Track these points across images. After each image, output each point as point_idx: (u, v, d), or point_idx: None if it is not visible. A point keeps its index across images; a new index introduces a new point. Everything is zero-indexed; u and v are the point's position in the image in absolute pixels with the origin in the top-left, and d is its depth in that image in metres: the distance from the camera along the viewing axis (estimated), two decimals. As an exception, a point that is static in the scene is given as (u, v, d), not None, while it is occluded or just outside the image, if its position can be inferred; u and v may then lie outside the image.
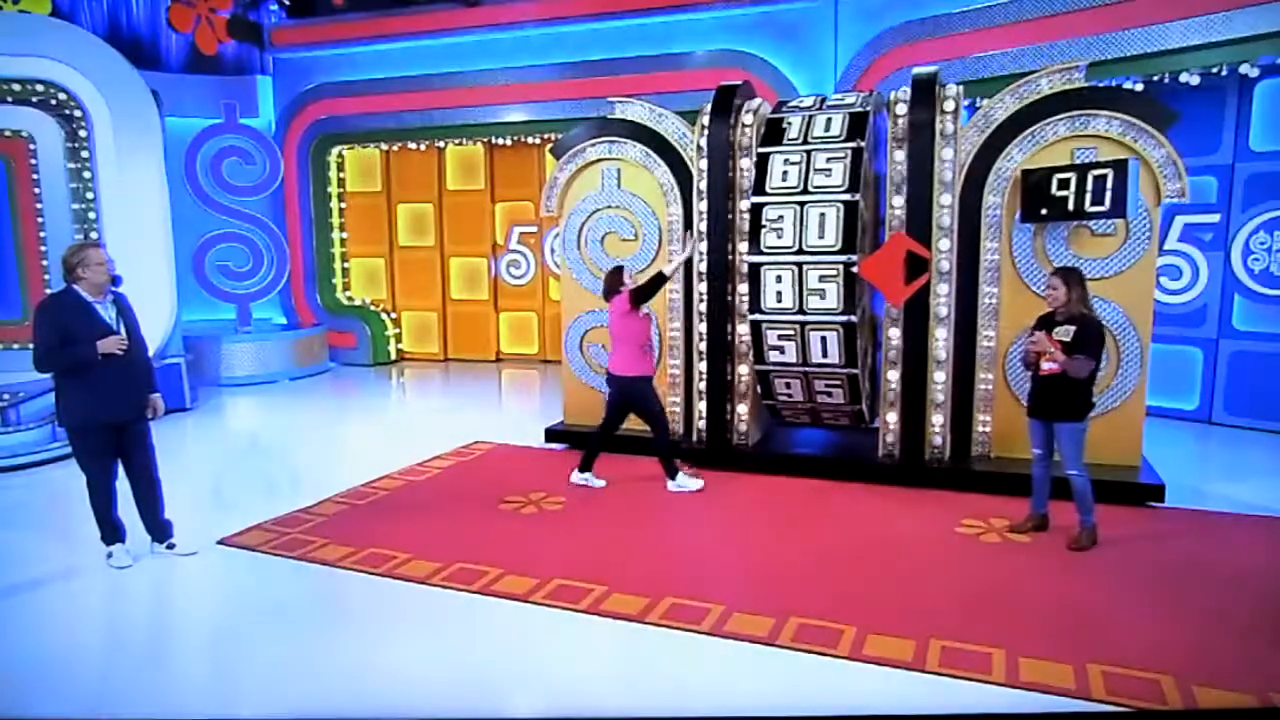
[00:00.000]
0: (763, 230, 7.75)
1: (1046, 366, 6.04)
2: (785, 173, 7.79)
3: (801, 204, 7.66)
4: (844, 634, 4.94)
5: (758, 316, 7.84)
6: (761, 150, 7.94)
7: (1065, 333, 6.01)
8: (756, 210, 7.80)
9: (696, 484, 7.67)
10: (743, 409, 8.34)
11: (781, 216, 7.71)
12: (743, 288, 8.00)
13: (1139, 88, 8.97)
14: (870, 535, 6.58)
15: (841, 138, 7.75)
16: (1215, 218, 9.55)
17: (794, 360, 7.83)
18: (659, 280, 7.70)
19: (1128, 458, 7.30)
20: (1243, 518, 6.87)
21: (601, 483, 7.77)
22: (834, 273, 7.55)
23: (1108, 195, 6.88)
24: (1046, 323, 6.17)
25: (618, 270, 7.73)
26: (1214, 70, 8.66)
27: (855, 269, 7.49)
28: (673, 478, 7.69)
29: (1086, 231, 7.32)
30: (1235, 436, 9.36)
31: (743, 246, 8.00)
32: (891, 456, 7.84)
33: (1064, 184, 7.04)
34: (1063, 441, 6.17)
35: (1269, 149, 9.12)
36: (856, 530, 6.69)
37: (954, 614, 5.21)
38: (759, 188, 7.83)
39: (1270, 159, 9.11)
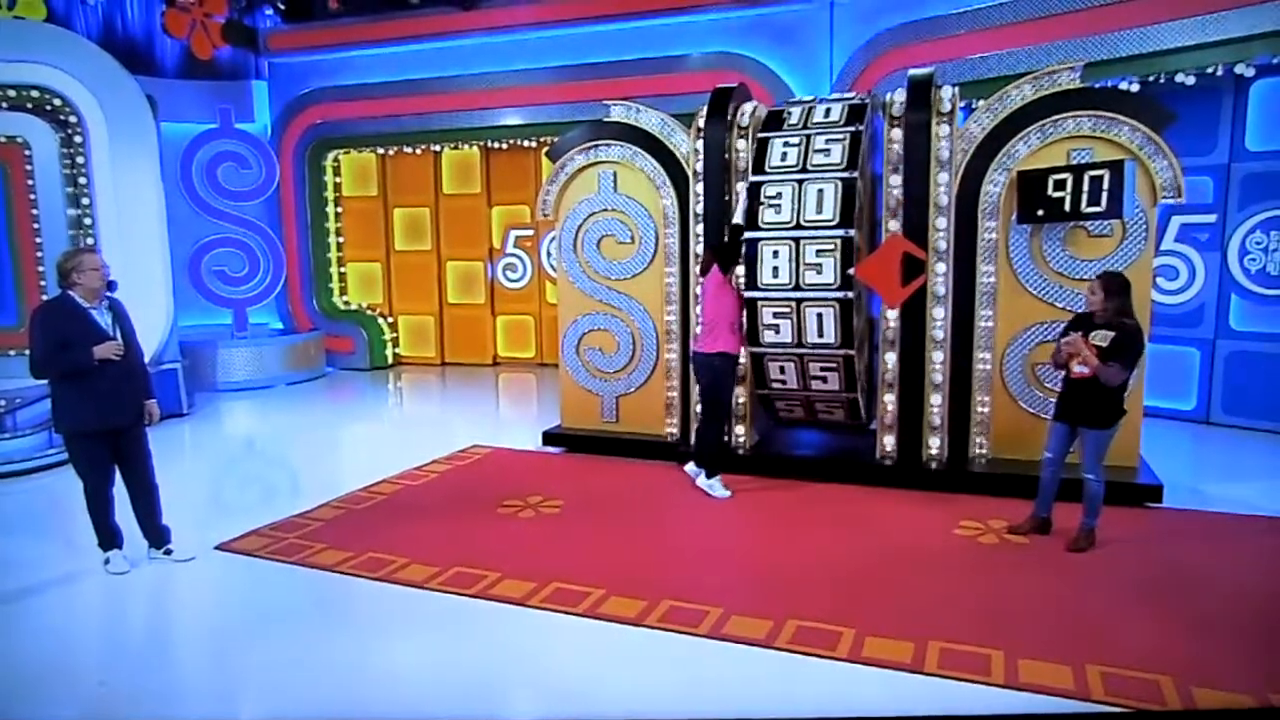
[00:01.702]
0: (761, 207, 7.76)
1: (1078, 369, 5.94)
2: (785, 154, 7.82)
3: (800, 181, 7.68)
4: (842, 636, 4.94)
5: (754, 294, 7.83)
6: (761, 135, 7.98)
7: (1103, 338, 5.90)
8: (755, 189, 7.81)
9: (724, 492, 7.57)
10: (740, 412, 8.34)
11: (780, 194, 7.72)
12: (739, 270, 7.97)
13: (1135, 88, 8.97)
14: (868, 537, 6.58)
15: (841, 123, 7.78)
16: (1212, 218, 9.57)
17: (789, 340, 7.80)
18: (737, 233, 7.67)
19: (1125, 458, 7.28)
20: (1241, 518, 6.87)
21: (727, 492, 7.58)
22: (831, 247, 7.55)
23: (1104, 196, 6.88)
24: (1083, 323, 6.09)
25: (741, 229, 7.76)
26: (1209, 70, 8.65)
27: (853, 248, 7.47)
28: (710, 475, 7.63)
29: (1083, 232, 7.32)
30: (1233, 437, 9.37)
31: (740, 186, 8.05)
32: (889, 458, 7.84)
33: (1060, 185, 7.04)
34: (1086, 446, 6.12)
35: (1265, 149, 9.14)
36: (854, 532, 6.69)
37: (952, 615, 5.21)
38: (758, 167, 7.87)
39: (1266, 159, 9.13)
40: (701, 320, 7.64)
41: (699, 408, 8.09)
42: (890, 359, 7.72)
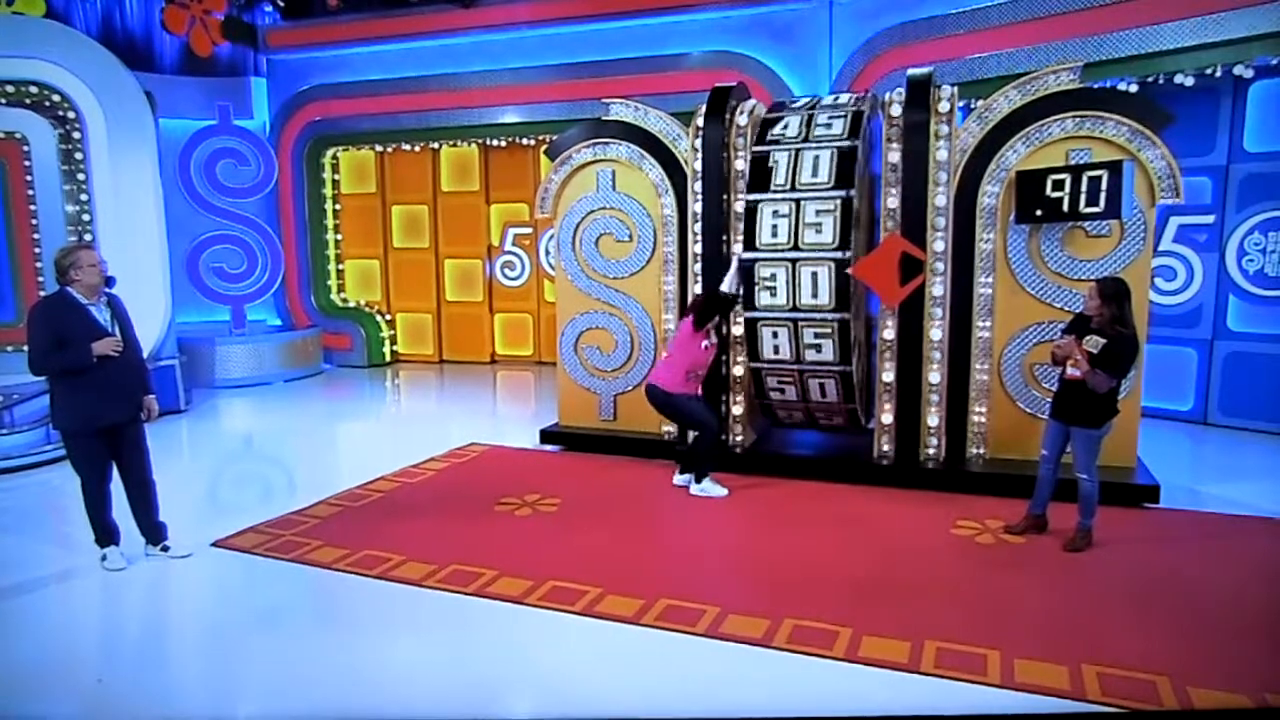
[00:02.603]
0: (756, 288, 7.79)
1: (1070, 371, 6.02)
2: (775, 226, 7.78)
3: (794, 261, 7.69)
4: (839, 635, 4.94)
5: (753, 314, 7.84)
6: (750, 198, 7.91)
7: (1094, 344, 5.94)
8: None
9: (721, 490, 7.59)
10: (737, 411, 8.34)
11: (774, 274, 7.75)
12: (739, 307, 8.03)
13: (1133, 89, 8.98)
14: (865, 537, 6.58)
15: (830, 185, 7.65)
16: (1210, 219, 9.57)
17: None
18: (717, 301, 7.62)
19: (1123, 459, 7.30)
20: (1237, 519, 6.87)
21: (724, 490, 7.61)
22: (829, 331, 7.64)
23: (1102, 196, 6.88)
24: (1081, 325, 6.13)
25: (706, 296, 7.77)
26: (1209, 71, 8.66)
27: (849, 270, 7.48)
28: (699, 481, 7.64)
29: (1081, 232, 7.32)
30: (1230, 437, 9.37)
31: (736, 247, 8.01)
32: (887, 458, 7.84)
33: (1059, 185, 7.04)
34: (1077, 445, 6.17)
35: (1263, 150, 9.14)
36: (851, 532, 6.69)
37: (949, 615, 5.21)
38: (749, 241, 7.83)
39: (1265, 160, 9.13)
40: (667, 351, 7.79)
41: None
42: (888, 356, 7.74)
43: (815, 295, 7.63)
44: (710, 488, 7.59)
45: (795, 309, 7.70)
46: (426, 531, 6.74)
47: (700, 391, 7.84)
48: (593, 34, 12.92)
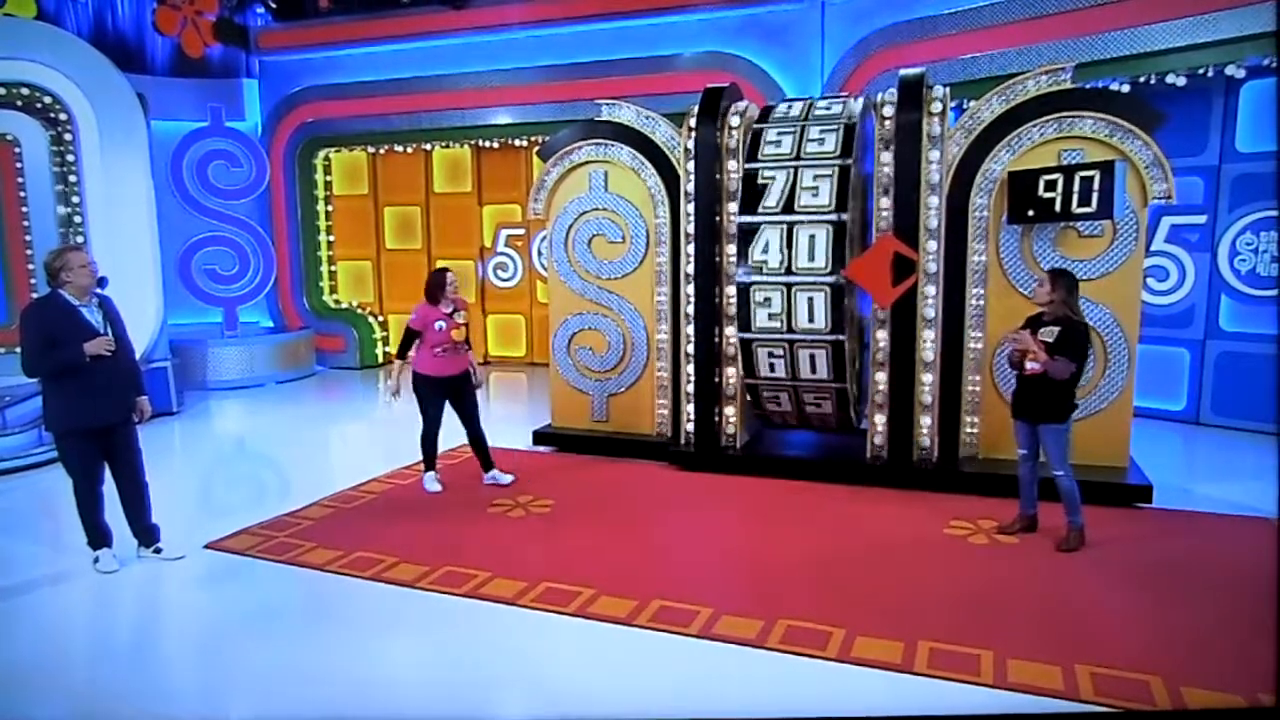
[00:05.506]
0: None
1: (1030, 366, 6.06)
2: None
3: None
4: (832, 636, 4.94)
5: (747, 335, 7.87)
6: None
7: (1049, 333, 6.04)
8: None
9: (507, 478, 7.93)
10: (730, 412, 8.34)
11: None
12: (730, 289, 8.03)
13: (1125, 89, 9.00)
14: (858, 537, 6.58)
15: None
16: (1202, 219, 9.58)
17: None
18: (438, 275, 7.99)
19: (1115, 459, 7.32)
20: (1230, 518, 6.89)
21: (438, 487, 7.85)
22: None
23: (1095, 196, 6.89)
24: (1034, 323, 6.20)
25: (440, 272, 8.02)
26: (1200, 71, 8.68)
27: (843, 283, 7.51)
28: (486, 470, 8.00)
29: (1074, 233, 7.34)
30: (1222, 437, 9.39)
31: (730, 249, 8.02)
32: (879, 458, 7.84)
33: (1051, 185, 7.05)
34: (1047, 443, 6.20)
35: (1255, 150, 9.16)
36: (844, 532, 6.70)
37: (942, 615, 5.21)
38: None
39: (1256, 160, 9.14)
40: None
41: (691, 406, 8.33)
42: (880, 377, 7.74)
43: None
44: (499, 476, 7.97)
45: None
46: (419, 533, 6.73)
47: (468, 368, 8.18)
48: (585, 35, 12.90)
